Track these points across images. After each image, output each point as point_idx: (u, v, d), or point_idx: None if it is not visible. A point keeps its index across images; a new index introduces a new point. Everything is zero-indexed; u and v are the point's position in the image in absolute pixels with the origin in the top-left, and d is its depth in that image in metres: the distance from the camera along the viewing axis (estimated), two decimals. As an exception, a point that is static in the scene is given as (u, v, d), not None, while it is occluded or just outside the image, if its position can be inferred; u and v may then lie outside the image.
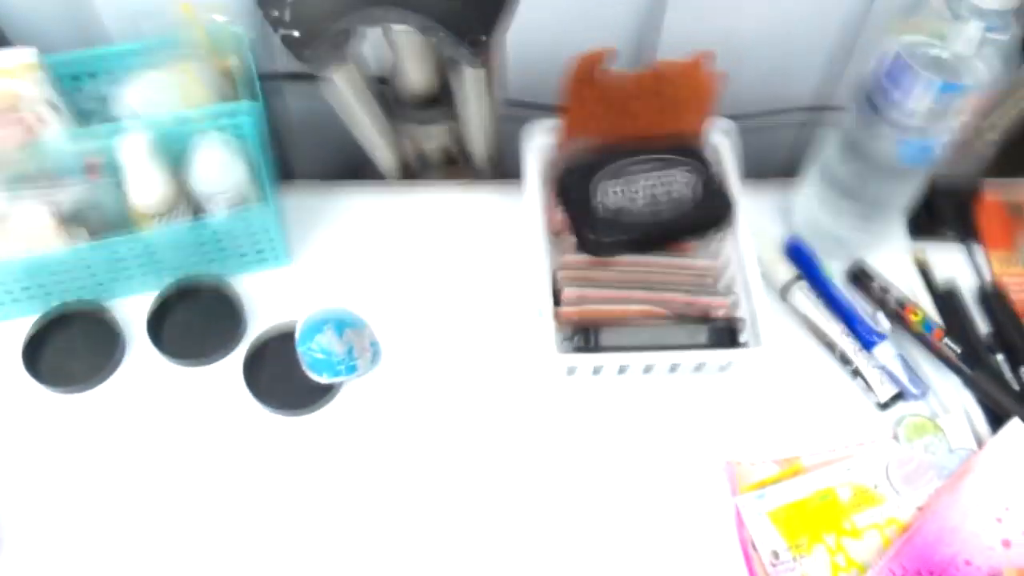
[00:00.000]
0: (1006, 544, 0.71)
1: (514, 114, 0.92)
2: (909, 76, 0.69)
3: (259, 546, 0.73)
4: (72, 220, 0.78)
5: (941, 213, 0.89)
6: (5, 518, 0.74)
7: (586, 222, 0.78)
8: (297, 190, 0.91)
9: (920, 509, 0.74)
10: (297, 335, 0.80)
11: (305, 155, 1.10)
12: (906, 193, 0.82)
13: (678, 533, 0.74)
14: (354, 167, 0.97)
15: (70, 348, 0.82)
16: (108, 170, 0.80)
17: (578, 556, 0.73)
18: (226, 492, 0.76)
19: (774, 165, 1.11)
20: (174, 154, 0.81)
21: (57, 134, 0.79)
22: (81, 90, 0.82)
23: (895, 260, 0.88)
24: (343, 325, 0.81)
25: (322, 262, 0.88)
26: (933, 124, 0.72)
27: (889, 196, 0.81)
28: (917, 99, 0.70)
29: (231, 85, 0.83)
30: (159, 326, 0.83)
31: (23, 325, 0.81)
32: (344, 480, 0.76)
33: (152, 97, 0.78)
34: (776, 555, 0.72)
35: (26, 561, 0.72)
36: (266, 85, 0.88)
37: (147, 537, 0.74)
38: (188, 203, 0.81)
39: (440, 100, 0.80)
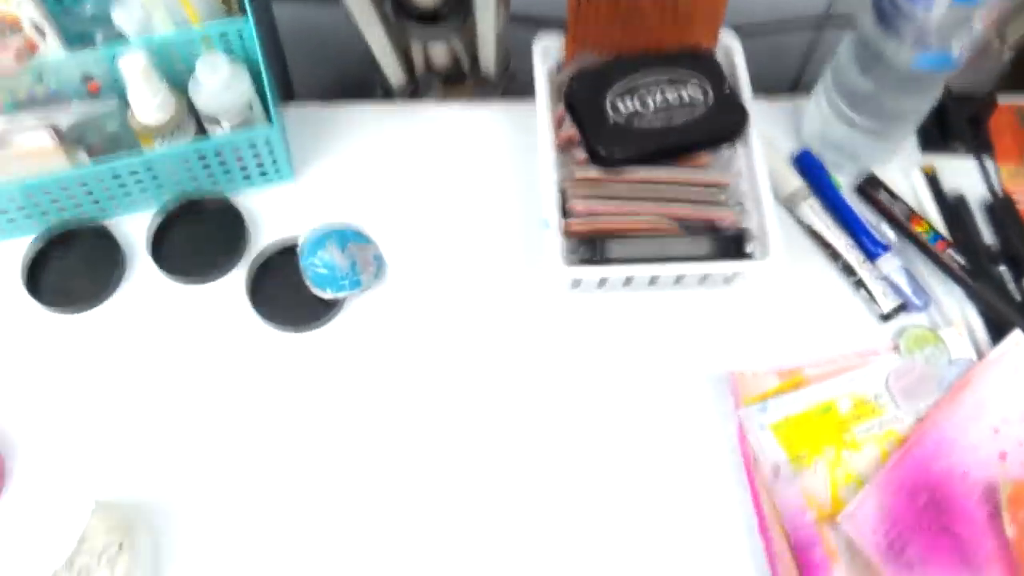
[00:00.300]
0: (1002, 456, 0.73)
1: (522, 29, 0.89)
2: None
3: (264, 464, 0.75)
4: (73, 141, 0.77)
5: (953, 126, 0.87)
6: (12, 442, 0.75)
7: (596, 134, 0.76)
8: (301, 109, 0.90)
9: (919, 421, 0.75)
10: (300, 249, 0.80)
11: (303, 76, 1.07)
12: (919, 105, 0.80)
13: (683, 447, 0.75)
14: (351, 89, 0.94)
15: (71, 268, 0.81)
16: (109, 90, 0.78)
17: (582, 471, 0.75)
18: (231, 411, 0.76)
19: (783, 81, 1.09)
20: (177, 73, 0.79)
21: (55, 54, 0.76)
22: (68, 12, 0.79)
23: (905, 174, 0.87)
24: (346, 239, 0.80)
25: (327, 179, 0.87)
26: (946, 35, 0.70)
27: (902, 108, 0.80)
28: (929, 10, 0.68)
29: (223, 3, 0.80)
30: (161, 244, 0.82)
31: (19, 245, 0.81)
32: (349, 396, 0.77)
33: (141, 16, 0.75)
34: (777, 469, 0.73)
35: (36, 484, 0.73)
36: (259, 3, 0.85)
37: (151, 457, 0.75)
38: (193, 124, 0.79)
39: (447, 14, 0.77)
